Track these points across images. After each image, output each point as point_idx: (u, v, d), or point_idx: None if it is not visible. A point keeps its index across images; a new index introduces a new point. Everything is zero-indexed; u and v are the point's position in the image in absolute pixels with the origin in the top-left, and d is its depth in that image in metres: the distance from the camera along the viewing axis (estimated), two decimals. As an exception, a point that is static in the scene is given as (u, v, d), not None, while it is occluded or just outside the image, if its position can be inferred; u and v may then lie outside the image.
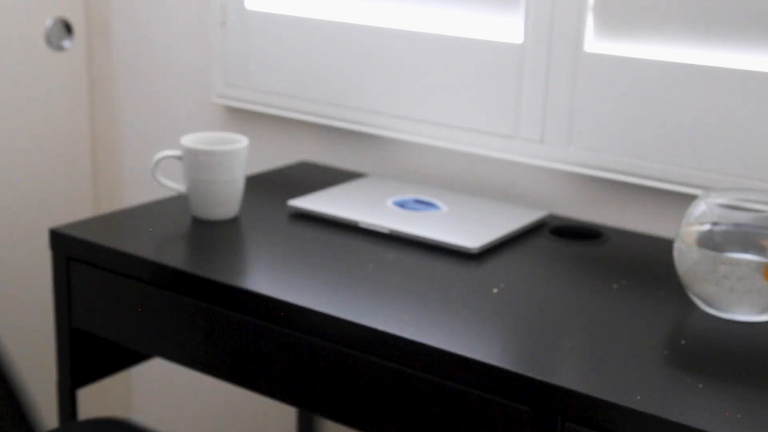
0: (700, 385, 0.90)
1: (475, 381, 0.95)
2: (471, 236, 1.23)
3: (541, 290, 1.11)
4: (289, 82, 1.60)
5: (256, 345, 1.10)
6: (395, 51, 1.49)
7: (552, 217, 1.37)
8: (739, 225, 1.03)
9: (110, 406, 2.02)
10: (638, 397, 0.87)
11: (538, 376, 0.91)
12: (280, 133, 1.67)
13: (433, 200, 1.37)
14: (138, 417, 2.02)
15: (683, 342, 1.00)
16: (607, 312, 1.06)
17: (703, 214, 1.05)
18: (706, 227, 1.05)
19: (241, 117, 1.72)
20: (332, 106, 1.57)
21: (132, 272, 1.18)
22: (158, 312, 1.18)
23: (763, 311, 1.03)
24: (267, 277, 1.12)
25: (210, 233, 1.25)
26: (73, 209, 1.90)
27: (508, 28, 1.40)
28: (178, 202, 1.37)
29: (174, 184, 1.33)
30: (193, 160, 1.28)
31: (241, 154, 1.29)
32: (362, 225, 1.28)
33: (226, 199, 1.29)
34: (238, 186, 1.30)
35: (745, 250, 1.02)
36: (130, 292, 1.20)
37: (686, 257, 1.05)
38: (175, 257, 1.17)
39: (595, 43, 1.33)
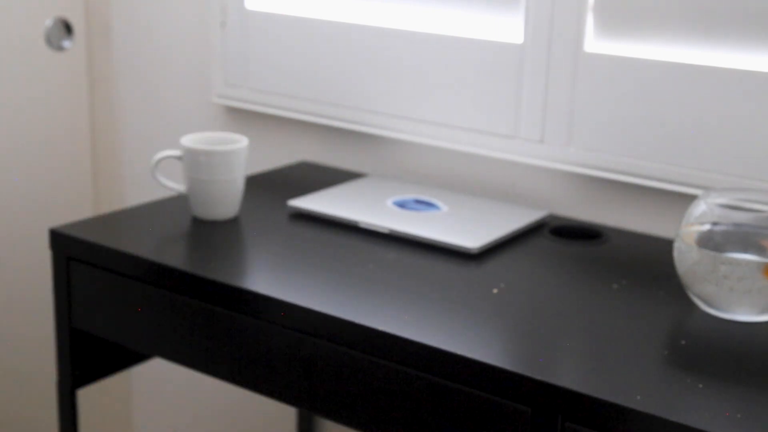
0: (700, 385, 0.90)
1: (475, 381, 0.95)
2: (471, 236, 1.23)
3: (541, 290, 1.11)
4: (289, 82, 1.60)
5: (256, 345, 1.10)
6: (395, 51, 1.49)
7: (552, 217, 1.37)
8: (739, 225, 1.03)
9: (110, 406, 2.02)
10: (638, 397, 0.87)
11: (538, 376, 0.91)
12: (280, 133, 1.67)
13: (433, 200, 1.37)
14: (138, 417, 2.02)
15: (683, 342, 1.00)
16: (607, 312, 1.06)
17: (703, 214, 1.05)
18: (706, 227, 1.05)
19: (241, 117, 1.72)
20: (332, 106, 1.57)
21: (132, 272, 1.18)
22: (158, 312, 1.18)
23: (763, 311, 1.03)
24: (267, 277, 1.12)
25: (210, 233, 1.25)
26: (73, 209, 1.90)
27: (508, 28, 1.40)
28: (178, 202, 1.37)
29: (174, 184, 1.33)
30: (193, 160, 1.28)
31: (241, 154, 1.29)
32: (362, 225, 1.28)
33: (226, 199, 1.29)
34: (238, 186, 1.30)
35: (745, 250, 1.02)
36: (130, 292, 1.20)
37: (686, 257, 1.05)
38: (175, 257, 1.17)
39: (595, 43, 1.33)
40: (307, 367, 1.06)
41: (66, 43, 1.82)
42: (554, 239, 1.28)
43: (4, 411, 1.85)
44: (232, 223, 1.29)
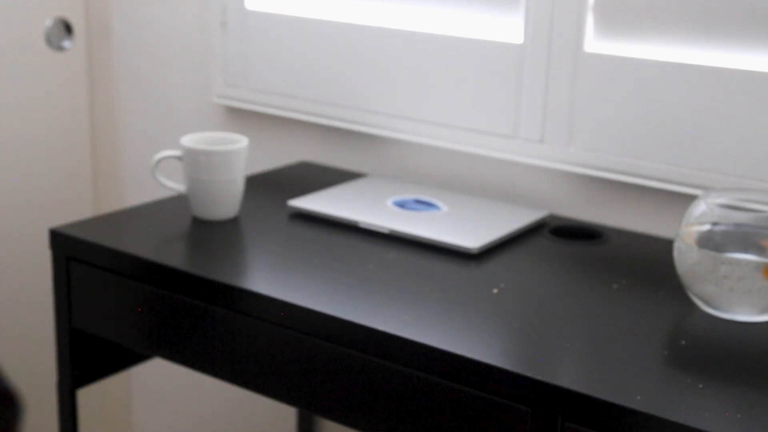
0: (700, 385, 0.90)
1: (475, 381, 0.95)
2: (471, 236, 1.23)
3: (541, 290, 1.11)
4: (289, 82, 1.60)
5: (256, 345, 1.10)
6: (395, 51, 1.49)
7: (552, 217, 1.37)
8: (739, 225, 1.03)
9: (110, 406, 2.02)
10: (638, 397, 0.87)
11: (538, 376, 0.91)
12: (280, 133, 1.67)
13: (433, 200, 1.37)
14: (138, 417, 2.02)
15: (683, 342, 1.00)
16: (607, 312, 1.06)
17: (703, 214, 1.05)
18: (706, 227, 1.05)
19: (241, 117, 1.72)
20: (332, 106, 1.57)
21: (132, 272, 1.18)
22: (158, 312, 1.18)
23: (763, 311, 1.03)
24: (267, 277, 1.12)
25: (210, 233, 1.25)
26: (73, 209, 1.90)
27: (508, 28, 1.40)
28: (178, 202, 1.37)
29: (174, 184, 1.33)
30: (193, 160, 1.28)
31: (241, 154, 1.29)
32: (362, 225, 1.28)
33: (226, 199, 1.29)
34: (238, 186, 1.30)
35: (745, 250, 1.02)
36: (130, 292, 1.20)
37: (686, 257, 1.05)
38: (175, 257, 1.17)
39: (595, 43, 1.33)
40: (307, 367, 1.06)
41: (66, 43, 1.82)
42: (554, 239, 1.28)
43: (4, 411, 1.85)
44: (232, 223, 1.29)
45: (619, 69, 1.30)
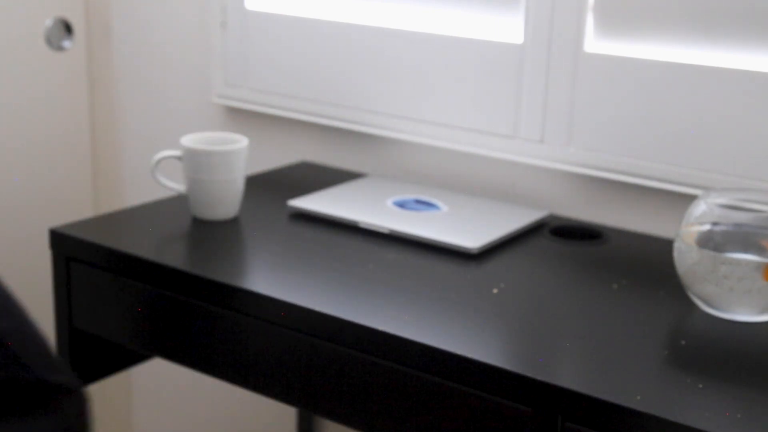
0: (700, 385, 0.90)
1: (475, 381, 0.95)
2: (471, 236, 1.23)
3: (541, 290, 1.11)
4: (289, 82, 1.60)
5: (256, 345, 1.10)
6: (395, 51, 1.49)
7: (552, 217, 1.37)
8: (739, 225, 1.03)
9: (110, 406, 2.02)
10: (638, 397, 0.87)
11: (538, 376, 0.91)
12: (280, 133, 1.67)
13: (433, 200, 1.37)
14: (138, 417, 2.02)
15: (683, 342, 1.00)
16: (607, 312, 1.06)
17: (703, 214, 1.05)
18: (706, 227, 1.05)
19: (241, 117, 1.72)
20: (332, 106, 1.57)
21: (132, 272, 1.18)
22: (158, 312, 1.18)
23: (763, 311, 1.03)
24: (267, 277, 1.12)
25: (210, 233, 1.25)
26: (73, 209, 1.90)
27: (508, 28, 1.40)
28: (178, 202, 1.37)
29: (174, 184, 1.33)
30: (193, 160, 1.28)
31: (241, 154, 1.29)
32: (362, 225, 1.28)
33: (226, 199, 1.29)
34: (238, 186, 1.30)
35: (745, 250, 1.02)
36: (130, 292, 1.20)
37: (686, 257, 1.05)
38: (175, 257, 1.17)
39: (595, 43, 1.33)
40: (307, 367, 1.06)
41: (66, 43, 1.82)
42: (554, 239, 1.28)
43: (4, 411, 1.85)
44: (232, 223, 1.29)
45: (619, 69, 1.30)
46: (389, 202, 1.35)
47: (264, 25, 1.61)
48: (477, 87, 1.42)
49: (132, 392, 2.01)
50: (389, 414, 1.02)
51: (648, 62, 1.28)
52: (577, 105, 1.35)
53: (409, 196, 1.39)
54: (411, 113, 1.49)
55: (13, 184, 1.80)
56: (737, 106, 1.23)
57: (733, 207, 1.07)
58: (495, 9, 1.41)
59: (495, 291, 1.10)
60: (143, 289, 1.19)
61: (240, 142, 1.32)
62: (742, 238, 1.02)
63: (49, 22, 1.79)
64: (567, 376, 0.91)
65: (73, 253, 1.24)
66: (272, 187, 1.46)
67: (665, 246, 1.28)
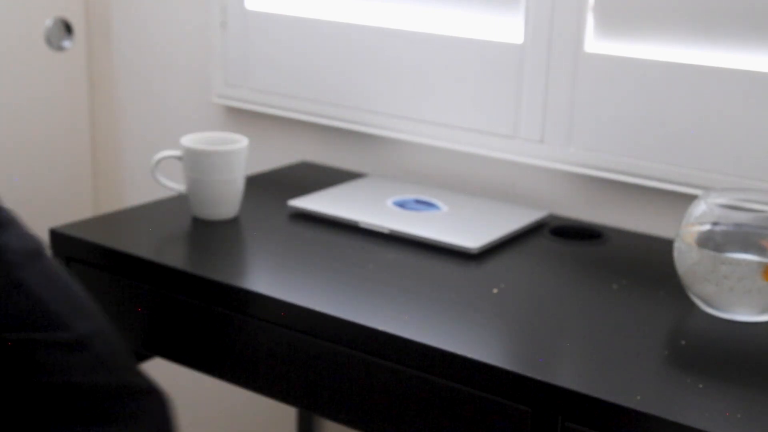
0: (700, 385, 0.90)
1: (475, 381, 0.94)
2: (471, 236, 1.23)
3: (541, 290, 1.11)
4: (289, 82, 1.60)
5: (256, 345, 1.10)
6: (395, 51, 1.49)
7: (552, 217, 1.37)
8: (739, 225, 1.03)
9: (110, 406, 2.02)
10: (638, 397, 0.87)
11: (538, 376, 0.91)
12: (280, 133, 1.67)
13: (433, 200, 1.37)
14: (138, 417, 2.01)
15: (683, 342, 0.99)
16: (607, 312, 1.06)
17: (703, 214, 1.05)
18: (706, 227, 1.05)
19: (241, 117, 1.72)
20: (332, 106, 1.57)
21: (132, 272, 1.18)
22: (158, 312, 1.18)
23: (763, 311, 1.03)
24: (267, 277, 1.12)
25: (210, 233, 1.25)
26: (73, 209, 1.90)
27: (508, 28, 1.40)
28: (178, 202, 1.37)
29: (174, 184, 1.33)
30: (193, 160, 1.28)
31: (241, 154, 1.29)
32: (362, 225, 1.28)
33: (226, 199, 1.29)
34: (238, 186, 1.30)
35: (745, 250, 1.02)
36: (130, 292, 1.20)
37: (686, 257, 1.05)
38: (175, 257, 1.17)
39: (595, 43, 1.33)
40: (307, 367, 1.06)
41: (66, 43, 1.82)
42: (554, 239, 1.28)
43: (4, 411, 1.85)
44: (232, 223, 1.29)
45: (619, 69, 1.30)
46: (389, 202, 1.35)
47: (264, 25, 1.61)
48: (477, 87, 1.42)
49: (132, 392, 2.01)
50: (389, 414, 1.02)
51: (648, 62, 1.28)
52: (577, 105, 1.35)
53: (409, 196, 1.39)
54: (411, 113, 1.49)
55: (13, 184, 1.80)
56: (737, 106, 1.23)
57: (733, 207, 1.07)
58: (495, 9, 1.41)
59: (495, 291, 1.10)
60: (143, 289, 1.19)
61: (240, 142, 1.32)
62: (742, 238, 1.02)
63: (49, 22, 1.79)
64: (567, 376, 0.91)
65: (73, 253, 1.24)
66: (272, 187, 1.46)
67: (665, 246, 1.28)
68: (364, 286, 1.10)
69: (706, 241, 1.04)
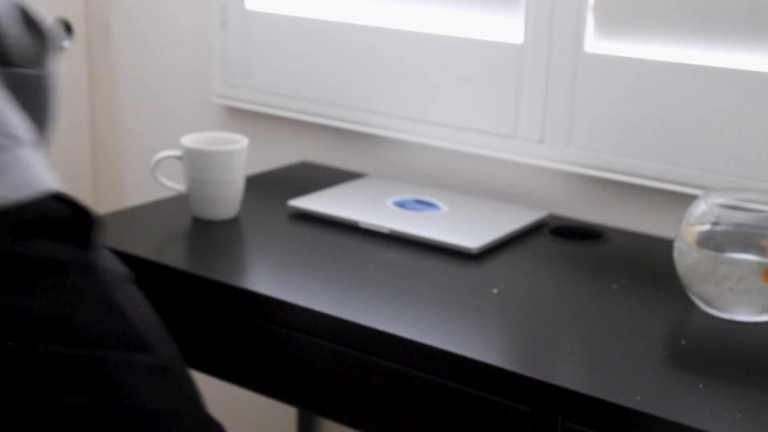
0: (700, 385, 0.90)
1: (475, 381, 0.94)
2: (471, 236, 1.23)
3: (541, 290, 1.11)
4: (289, 82, 1.60)
5: (256, 345, 1.10)
6: (395, 51, 1.49)
7: (552, 217, 1.37)
8: (739, 225, 1.03)
9: (110, 406, 2.02)
10: (638, 397, 0.87)
11: (538, 376, 0.91)
12: (280, 133, 1.67)
13: (433, 200, 1.37)
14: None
15: (683, 342, 0.99)
16: (607, 312, 1.06)
17: (703, 214, 1.05)
18: (706, 227, 1.05)
19: (241, 117, 1.72)
20: (332, 106, 1.57)
21: (132, 272, 1.18)
22: (158, 312, 1.18)
23: (763, 311, 1.03)
24: (267, 277, 1.12)
25: (210, 233, 1.25)
26: (73, 209, 1.90)
27: (508, 28, 1.40)
28: (178, 202, 1.37)
29: (174, 184, 1.33)
30: (193, 160, 1.28)
31: (241, 154, 1.29)
32: (362, 225, 1.28)
33: (226, 199, 1.29)
34: (238, 186, 1.30)
35: (745, 250, 1.02)
36: (130, 292, 1.20)
37: (686, 257, 1.05)
38: (175, 257, 1.17)
39: (595, 43, 1.33)
40: (307, 367, 1.06)
41: (66, 43, 1.82)
42: (554, 239, 1.28)
43: (4, 411, 1.85)
44: (232, 223, 1.29)
45: (619, 69, 1.30)
46: (389, 202, 1.35)
47: (264, 25, 1.61)
48: (477, 87, 1.42)
49: (132, 392, 2.01)
50: (389, 414, 1.02)
51: (648, 62, 1.28)
52: (577, 105, 1.35)
53: (409, 196, 1.39)
54: (411, 113, 1.49)
55: (13, 184, 1.79)
56: (737, 106, 1.23)
57: (733, 207, 1.07)
58: (495, 9, 1.41)
59: (495, 291, 1.10)
60: (143, 289, 1.19)
61: (240, 142, 1.32)
62: (742, 238, 1.02)
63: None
64: (567, 376, 0.91)
65: (73, 253, 1.23)
66: (272, 187, 1.46)
67: (665, 246, 1.28)
68: (365, 286, 1.10)
69: (706, 241, 1.04)
